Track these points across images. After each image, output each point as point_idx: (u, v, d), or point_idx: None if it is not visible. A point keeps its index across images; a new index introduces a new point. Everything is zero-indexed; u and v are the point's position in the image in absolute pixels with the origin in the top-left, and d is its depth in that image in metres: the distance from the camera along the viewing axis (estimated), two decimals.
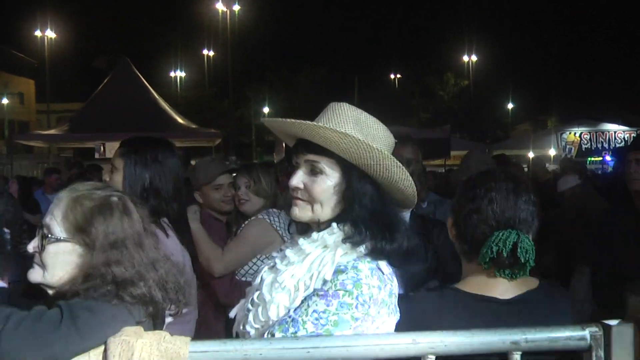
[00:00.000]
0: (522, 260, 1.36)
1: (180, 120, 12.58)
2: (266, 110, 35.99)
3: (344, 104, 1.39)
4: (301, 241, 1.37)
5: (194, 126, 12.84)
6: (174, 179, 2.17)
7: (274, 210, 2.89)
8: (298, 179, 1.37)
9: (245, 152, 38.74)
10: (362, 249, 1.31)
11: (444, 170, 11.87)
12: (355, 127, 1.33)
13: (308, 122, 1.29)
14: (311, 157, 1.35)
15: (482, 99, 34.84)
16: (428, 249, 2.30)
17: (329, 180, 1.34)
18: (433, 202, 3.46)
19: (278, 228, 2.80)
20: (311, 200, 1.35)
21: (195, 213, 2.84)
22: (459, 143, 17.49)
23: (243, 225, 2.87)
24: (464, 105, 37.32)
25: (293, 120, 1.32)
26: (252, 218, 2.84)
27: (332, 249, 1.31)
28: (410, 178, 1.35)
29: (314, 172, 1.35)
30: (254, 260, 2.80)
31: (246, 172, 3.00)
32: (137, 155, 2.12)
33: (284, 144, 11.93)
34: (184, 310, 1.45)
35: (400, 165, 1.32)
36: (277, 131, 1.48)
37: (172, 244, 2.03)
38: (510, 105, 35.63)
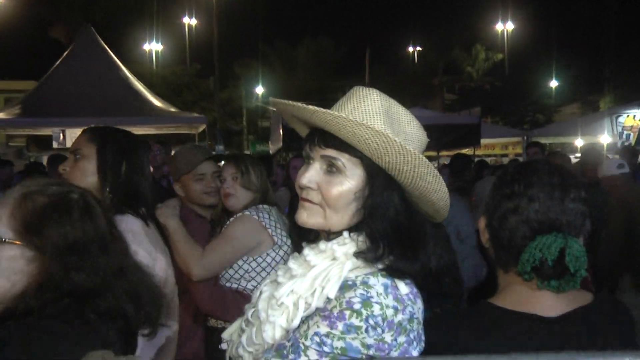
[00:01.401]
0: (572, 270, 1.35)
1: (156, 102, 12.61)
2: (260, 90, 36.04)
3: (373, 90, 1.38)
4: (306, 251, 1.38)
5: (172, 110, 12.87)
6: (145, 177, 2.27)
7: (264, 206, 2.96)
8: (311, 177, 1.35)
9: (235, 141, 38.88)
10: (377, 265, 1.30)
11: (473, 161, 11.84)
12: (386, 121, 1.33)
13: (334, 112, 1.28)
14: (330, 152, 1.34)
15: (520, 76, 34.72)
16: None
17: (348, 183, 1.33)
18: None
19: (268, 226, 2.86)
20: (324, 205, 1.35)
21: (174, 208, 2.90)
22: (491, 129, 17.49)
23: (228, 222, 2.93)
24: (497, 83, 37.22)
25: (315, 107, 1.30)
26: (239, 214, 2.90)
27: (341, 262, 1.31)
28: (446, 189, 1.35)
29: (332, 170, 1.34)
30: (240, 263, 2.87)
31: (233, 161, 3.07)
32: (112, 142, 2.21)
33: (281, 131, 11.95)
34: (164, 331, 1.46)
35: (437, 173, 1.31)
36: (287, 115, 1.47)
37: (147, 248, 2.09)
38: (553, 84, 35.48)
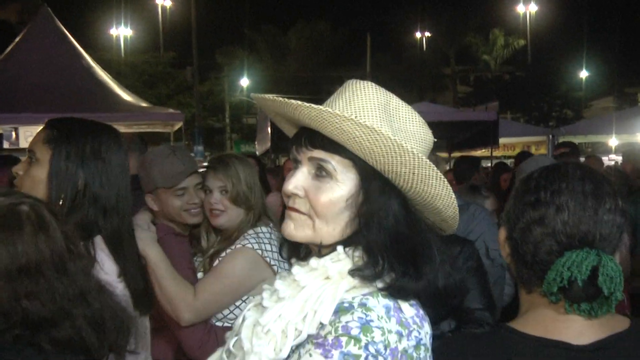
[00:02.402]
0: (605, 292, 1.35)
1: (124, 96, 12.56)
2: (245, 82, 36.12)
3: (368, 83, 1.39)
4: (295, 269, 1.38)
5: (144, 104, 12.82)
6: (118, 184, 2.16)
7: (264, 230, 2.83)
8: (297, 182, 1.37)
9: (217, 140, 38.87)
10: (376, 284, 1.31)
11: (490, 164, 11.89)
12: (383, 118, 1.34)
13: (319, 107, 1.28)
14: (319, 154, 1.35)
15: (544, 65, 34.87)
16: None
17: (340, 189, 1.34)
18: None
19: (272, 262, 2.74)
20: (313, 214, 1.35)
21: (148, 228, 2.78)
22: (510, 127, 17.54)
23: (223, 254, 2.80)
24: (518, 74, 37.39)
25: (299, 102, 1.31)
26: (238, 246, 2.77)
27: (335, 281, 1.31)
28: (453, 195, 1.36)
29: (321, 175, 1.35)
30: (237, 302, 2.76)
31: (221, 170, 2.92)
32: (70, 144, 2.10)
33: (269, 130, 11.97)
34: None
35: (442, 176, 1.32)
36: (271, 112, 1.48)
37: (106, 273, 2.01)
38: (584, 74, 35.65)
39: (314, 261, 1.36)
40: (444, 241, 2.50)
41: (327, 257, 1.35)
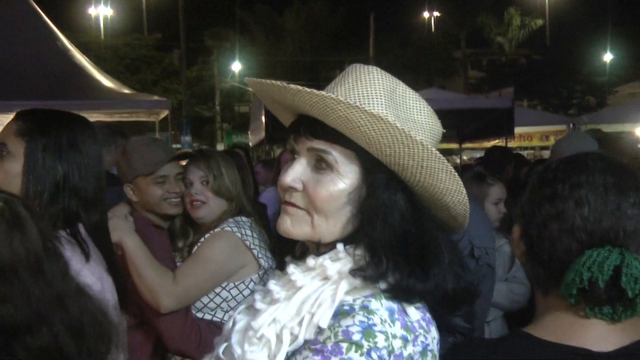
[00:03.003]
0: (630, 294, 1.35)
1: (105, 81, 12.54)
2: (236, 67, 36.06)
3: (374, 68, 1.39)
4: (291, 269, 1.38)
5: (126, 91, 12.81)
6: (96, 176, 2.21)
7: (244, 219, 2.99)
8: (295, 175, 1.38)
9: (206, 130, 38.85)
10: (379, 285, 1.31)
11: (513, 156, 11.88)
12: (389, 106, 1.34)
13: (321, 92, 1.28)
14: (319, 144, 1.36)
15: (564, 47, 34.81)
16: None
17: (341, 182, 1.35)
18: None
19: (252, 246, 2.89)
20: (311, 209, 1.36)
21: (126, 218, 2.90)
22: (527, 115, 17.54)
23: (202, 239, 2.93)
24: (535, 57, 37.35)
25: (298, 87, 1.31)
26: (217, 230, 2.91)
27: (334, 281, 1.32)
28: (464, 190, 1.36)
29: (321, 167, 1.36)
30: (218, 290, 2.89)
31: (203, 160, 3.08)
32: (45, 135, 2.14)
33: (263, 119, 11.95)
34: None
35: (452, 169, 1.32)
36: (267, 99, 1.48)
37: (92, 268, 2.06)
38: (607, 57, 35.63)
39: (311, 260, 1.37)
40: None
41: (326, 256, 1.36)
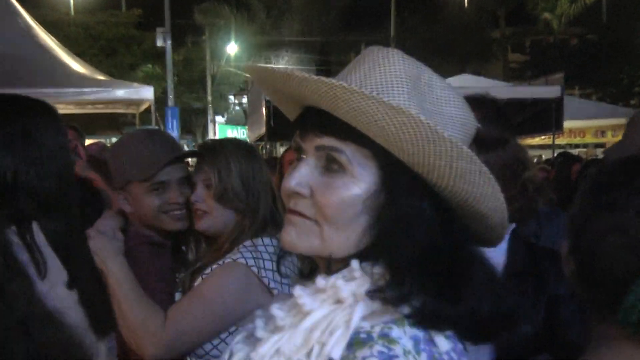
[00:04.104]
0: None
1: (75, 66, 12.58)
2: (232, 49, 36.04)
3: (394, 51, 1.38)
4: (297, 291, 1.38)
5: (100, 77, 12.85)
6: (58, 174, 2.19)
7: (267, 243, 2.75)
8: (301, 178, 1.37)
9: (197, 124, 38.72)
10: (402, 309, 1.30)
11: (552, 156, 11.83)
12: (412, 96, 1.33)
13: (331, 80, 1.27)
14: (329, 141, 1.35)
15: (624, 25, 34.62)
16: (538, 299, 2.29)
17: (355, 186, 1.34)
18: (537, 216, 3.47)
19: (271, 284, 2.66)
20: (321, 219, 1.36)
21: (113, 235, 2.79)
22: (580, 106, 17.46)
23: (208, 269, 2.73)
24: (589, 37, 37.17)
25: (304, 74, 1.30)
26: (226, 260, 2.70)
27: (349, 305, 1.31)
28: (501, 195, 1.35)
29: (332, 168, 1.36)
30: (224, 335, 2.69)
31: (208, 157, 2.88)
32: None
33: (264, 111, 11.96)
34: None
35: (487, 171, 1.31)
36: (268, 88, 1.48)
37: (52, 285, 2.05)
38: None
39: (321, 280, 1.36)
40: (527, 254, 2.47)
41: (339, 275, 1.35)
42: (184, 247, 3.13)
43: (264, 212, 2.83)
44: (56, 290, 2.04)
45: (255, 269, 2.65)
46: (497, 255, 1.54)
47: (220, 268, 2.69)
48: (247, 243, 2.73)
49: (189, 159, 3.36)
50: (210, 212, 2.83)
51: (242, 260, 2.67)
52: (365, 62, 1.37)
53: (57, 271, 2.11)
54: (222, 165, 2.81)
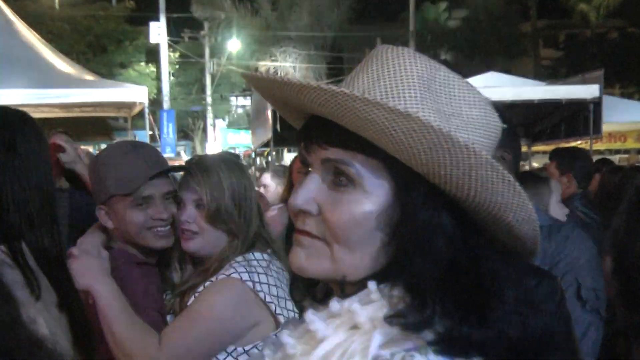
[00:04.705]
0: None
1: (61, 65, 12.67)
2: (234, 46, 36.17)
3: (405, 50, 1.39)
4: (310, 316, 1.38)
5: (89, 77, 12.93)
6: (39, 185, 2.24)
7: (259, 257, 2.88)
8: (307, 195, 1.38)
9: (194, 128, 38.88)
10: (424, 335, 1.29)
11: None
12: (425, 99, 1.33)
13: (332, 87, 1.26)
14: (336, 153, 1.36)
15: None
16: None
17: (367, 201, 1.34)
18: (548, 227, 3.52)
19: (268, 298, 2.78)
20: (331, 239, 1.36)
21: (98, 254, 2.83)
22: (621, 108, 17.40)
23: (201, 287, 2.84)
24: (630, 30, 37.17)
25: (301, 82, 1.30)
26: (220, 276, 2.81)
27: (366, 331, 1.31)
28: (530, 204, 1.34)
29: (340, 182, 1.36)
30: (222, 356, 2.79)
31: (198, 174, 2.96)
32: None
33: (269, 114, 11.99)
34: None
35: (510, 178, 1.30)
36: (268, 96, 1.49)
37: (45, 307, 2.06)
38: None
39: (335, 304, 1.36)
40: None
41: (354, 298, 1.35)
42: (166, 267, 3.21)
43: (254, 230, 2.96)
44: (49, 312, 2.07)
45: (250, 284, 2.77)
46: None
47: (213, 285, 2.81)
48: (239, 259, 2.86)
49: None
50: (202, 233, 2.92)
51: (236, 276, 2.78)
52: (374, 64, 1.38)
53: (47, 292, 2.16)
54: (214, 185, 2.92)
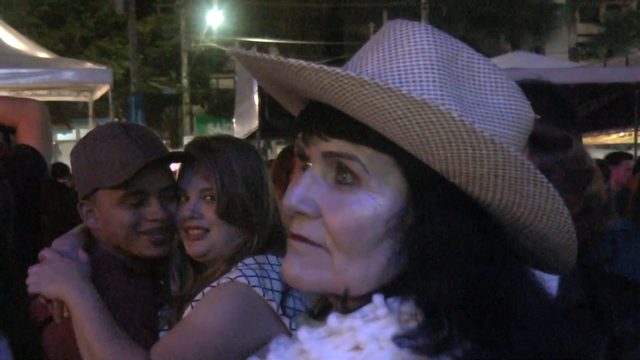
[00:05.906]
0: None
1: (12, 40, 12.64)
2: (215, 19, 35.95)
3: (421, 25, 1.37)
4: (304, 333, 1.38)
5: (43, 55, 12.90)
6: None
7: (272, 261, 2.77)
8: (305, 194, 1.38)
9: (170, 116, 38.58)
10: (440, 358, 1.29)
11: (633, 159, 11.80)
12: (445, 84, 1.32)
13: (336, 70, 1.25)
14: (339, 146, 1.35)
15: None
16: (596, 340, 2.31)
17: (375, 202, 1.34)
18: (612, 235, 3.49)
19: (280, 309, 2.66)
20: (331, 245, 1.37)
21: (77, 257, 2.78)
22: None
23: (200, 294, 2.75)
24: None
25: (302, 62, 1.29)
26: (223, 280, 2.71)
27: (370, 353, 1.31)
28: (566, 210, 1.33)
29: (344, 180, 1.37)
30: None
31: (205, 160, 2.85)
32: None
33: (256, 99, 11.96)
34: None
35: (543, 179, 1.28)
36: (260, 78, 1.49)
37: None
38: None
39: (334, 320, 1.36)
40: (584, 284, 2.50)
41: (357, 314, 1.35)
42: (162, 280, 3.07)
43: (270, 226, 2.83)
44: None
45: (260, 290, 2.65)
46: (549, 286, 1.53)
47: (214, 290, 2.69)
48: (248, 260, 2.73)
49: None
50: (211, 231, 2.79)
51: (243, 280, 2.66)
52: (385, 42, 1.36)
53: None
54: (224, 170, 2.78)
